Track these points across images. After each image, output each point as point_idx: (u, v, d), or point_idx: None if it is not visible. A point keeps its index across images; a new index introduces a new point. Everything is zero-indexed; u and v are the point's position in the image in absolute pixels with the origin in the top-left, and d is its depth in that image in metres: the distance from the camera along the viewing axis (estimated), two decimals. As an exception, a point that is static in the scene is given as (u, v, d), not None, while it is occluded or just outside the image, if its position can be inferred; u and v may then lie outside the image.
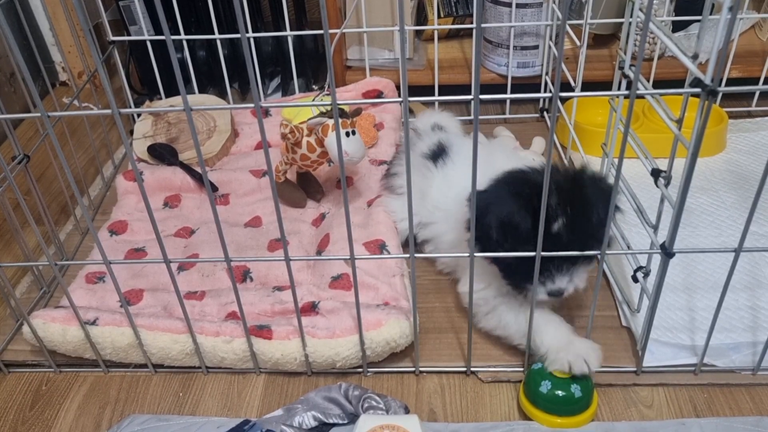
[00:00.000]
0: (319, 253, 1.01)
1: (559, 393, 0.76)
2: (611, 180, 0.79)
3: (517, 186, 0.79)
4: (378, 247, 0.98)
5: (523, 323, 0.83)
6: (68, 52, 1.54)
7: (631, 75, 0.82)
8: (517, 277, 0.81)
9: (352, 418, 0.78)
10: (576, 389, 0.76)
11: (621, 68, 0.86)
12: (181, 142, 1.27)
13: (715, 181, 1.16)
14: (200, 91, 1.46)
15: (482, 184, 0.80)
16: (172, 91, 1.42)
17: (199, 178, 1.18)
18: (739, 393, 0.82)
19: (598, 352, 0.78)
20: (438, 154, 1.02)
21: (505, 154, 1.07)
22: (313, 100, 1.27)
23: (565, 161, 1.23)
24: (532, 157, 1.20)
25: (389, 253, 0.97)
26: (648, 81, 1.33)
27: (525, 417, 0.80)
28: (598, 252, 0.73)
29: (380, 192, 1.11)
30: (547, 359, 0.79)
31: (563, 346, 0.78)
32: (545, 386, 0.76)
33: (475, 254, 0.74)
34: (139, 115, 1.36)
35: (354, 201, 1.11)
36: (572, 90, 1.20)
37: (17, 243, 1.00)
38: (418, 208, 1.00)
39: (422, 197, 1.00)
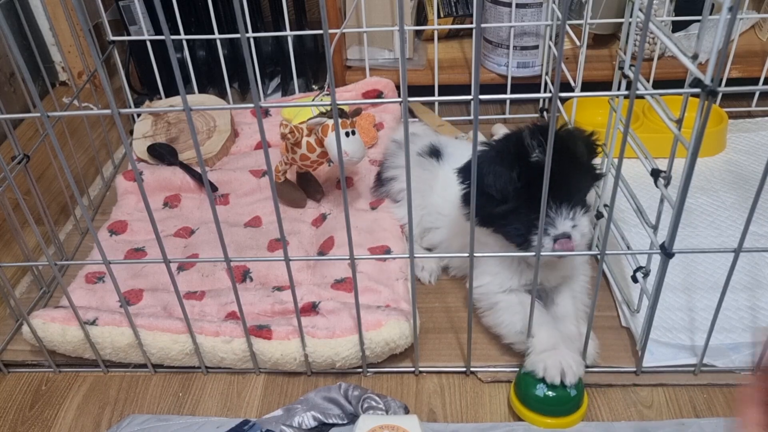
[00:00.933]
0: (321, 254, 1.01)
1: (556, 394, 0.76)
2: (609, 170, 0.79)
3: (503, 142, 0.82)
4: (383, 253, 0.98)
5: (517, 323, 0.83)
6: (68, 52, 1.54)
7: (631, 75, 0.82)
8: (516, 233, 0.81)
9: (352, 418, 0.78)
10: (571, 388, 0.76)
11: (621, 68, 0.85)
12: (180, 142, 1.27)
13: (715, 181, 1.16)
14: (200, 91, 1.46)
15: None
16: (171, 91, 1.42)
17: (198, 178, 1.18)
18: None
19: (579, 367, 0.77)
20: (433, 155, 1.03)
21: None
22: (313, 100, 1.27)
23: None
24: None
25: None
26: (648, 81, 1.33)
27: (517, 419, 0.80)
28: (598, 252, 0.73)
29: (377, 197, 1.11)
30: (528, 358, 0.79)
31: (547, 350, 0.78)
32: (541, 389, 0.76)
33: (475, 254, 0.74)
34: (138, 115, 1.36)
35: (354, 201, 1.11)
36: (572, 90, 1.20)
37: (17, 243, 1.00)
38: (420, 207, 1.00)
39: (422, 197, 1.00)
